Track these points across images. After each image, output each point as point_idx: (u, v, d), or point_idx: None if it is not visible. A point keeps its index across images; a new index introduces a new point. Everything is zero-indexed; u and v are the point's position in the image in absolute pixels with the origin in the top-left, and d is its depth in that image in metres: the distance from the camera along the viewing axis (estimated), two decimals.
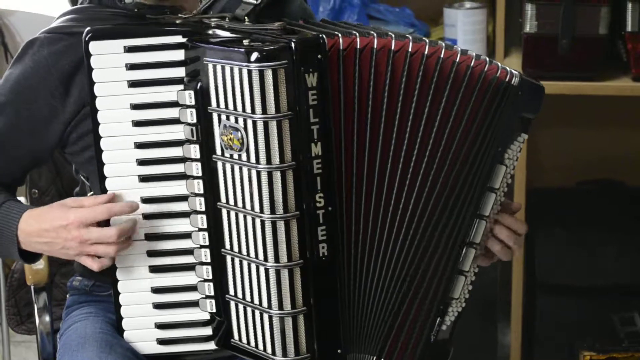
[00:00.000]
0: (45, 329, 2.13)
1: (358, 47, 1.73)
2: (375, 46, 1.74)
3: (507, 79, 1.77)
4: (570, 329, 2.96)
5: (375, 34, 1.74)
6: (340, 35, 1.72)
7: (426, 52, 1.74)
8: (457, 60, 1.76)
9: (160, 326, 1.86)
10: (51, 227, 1.79)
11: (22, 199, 2.19)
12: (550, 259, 3.03)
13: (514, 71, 1.79)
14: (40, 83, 1.85)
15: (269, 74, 1.66)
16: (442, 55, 1.75)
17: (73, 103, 1.85)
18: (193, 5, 1.91)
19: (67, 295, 2.10)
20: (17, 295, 2.40)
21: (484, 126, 1.78)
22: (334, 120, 1.73)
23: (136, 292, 1.85)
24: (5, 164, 1.91)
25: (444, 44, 1.77)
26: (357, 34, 1.73)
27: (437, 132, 1.76)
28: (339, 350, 1.80)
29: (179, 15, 1.84)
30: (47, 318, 2.14)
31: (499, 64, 1.79)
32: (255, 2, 1.85)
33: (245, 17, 1.84)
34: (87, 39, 1.77)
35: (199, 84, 1.75)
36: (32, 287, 2.15)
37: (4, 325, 2.75)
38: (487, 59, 1.78)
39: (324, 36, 1.71)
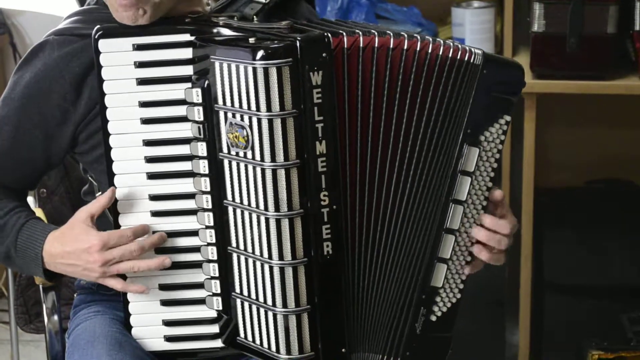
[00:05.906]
0: (54, 328, 2.13)
1: (361, 45, 1.73)
2: (376, 44, 1.74)
3: (465, 58, 1.76)
4: (579, 328, 2.96)
5: (376, 33, 1.74)
6: (344, 34, 1.72)
7: (405, 47, 1.74)
8: (430, 50, 1.75)
9: (168, 323, 1.87)
10: (74, 249, 1.81)
11: (30, 198, 2.20)
12: (558, 259, 3.02)
13: (477, 51, 1.77)
14: (51, 86, 1.85)
15: (273, 72, 1.67)
16: (417, 48, 1.75)
17: (84, 105, 1.86)
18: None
19: (75, 295, 2.11)
20: (25, 295, 2.40)
21: (443, 108, 1.77)
22: (339, 118, 1.73)
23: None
24: (19, 166, 1.92)
25: (430, 39, 1.76)
26: (360, 33, 1.73)
27: (412, 121, 1.77)
28: (343, 350, 1.80)
29: (189, 15, 1.85)
30: (55, 317, 2.14)
31: (465, 46, 1.77)
32: (264, 1, 1.86)
33: (254, 17, 1.84)
34: (96, 37, 1.78)
35: (206, 82, 1.76)
36: (40, 287, 2.16)
37: (12, 325, 2.75)
38: (454, 42, 1.77)
39: (329, 35, 1.71)
